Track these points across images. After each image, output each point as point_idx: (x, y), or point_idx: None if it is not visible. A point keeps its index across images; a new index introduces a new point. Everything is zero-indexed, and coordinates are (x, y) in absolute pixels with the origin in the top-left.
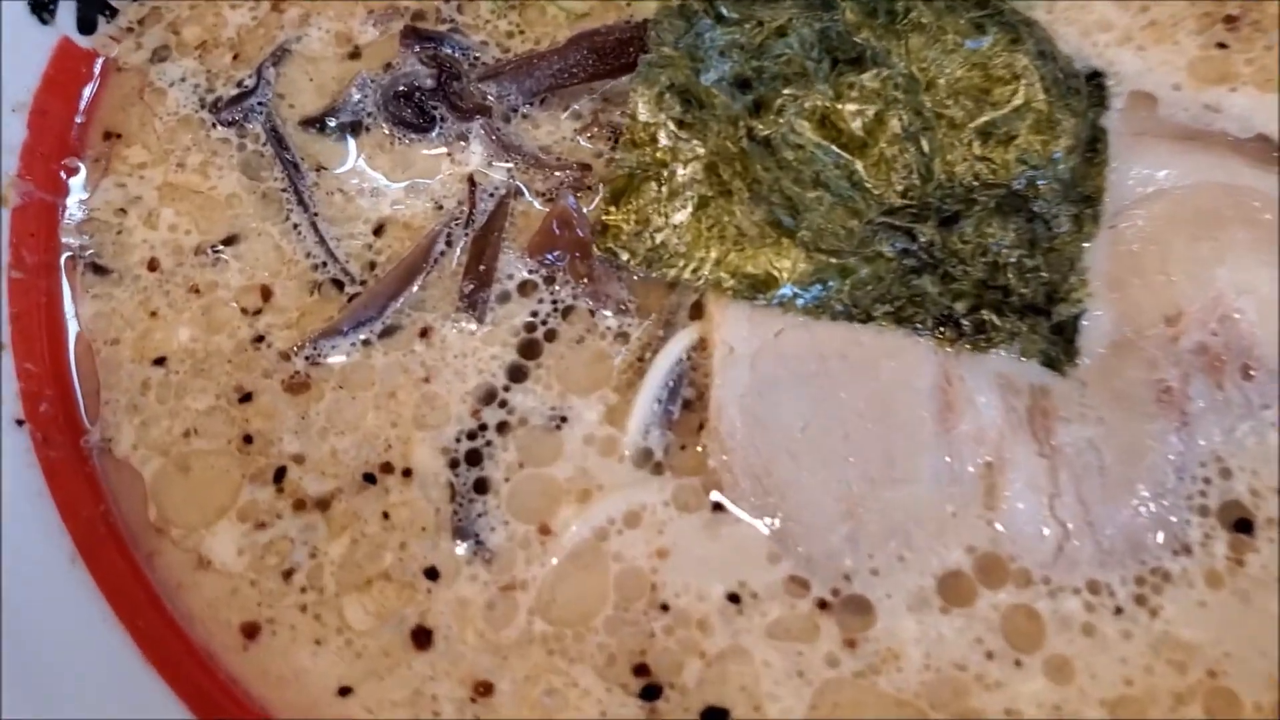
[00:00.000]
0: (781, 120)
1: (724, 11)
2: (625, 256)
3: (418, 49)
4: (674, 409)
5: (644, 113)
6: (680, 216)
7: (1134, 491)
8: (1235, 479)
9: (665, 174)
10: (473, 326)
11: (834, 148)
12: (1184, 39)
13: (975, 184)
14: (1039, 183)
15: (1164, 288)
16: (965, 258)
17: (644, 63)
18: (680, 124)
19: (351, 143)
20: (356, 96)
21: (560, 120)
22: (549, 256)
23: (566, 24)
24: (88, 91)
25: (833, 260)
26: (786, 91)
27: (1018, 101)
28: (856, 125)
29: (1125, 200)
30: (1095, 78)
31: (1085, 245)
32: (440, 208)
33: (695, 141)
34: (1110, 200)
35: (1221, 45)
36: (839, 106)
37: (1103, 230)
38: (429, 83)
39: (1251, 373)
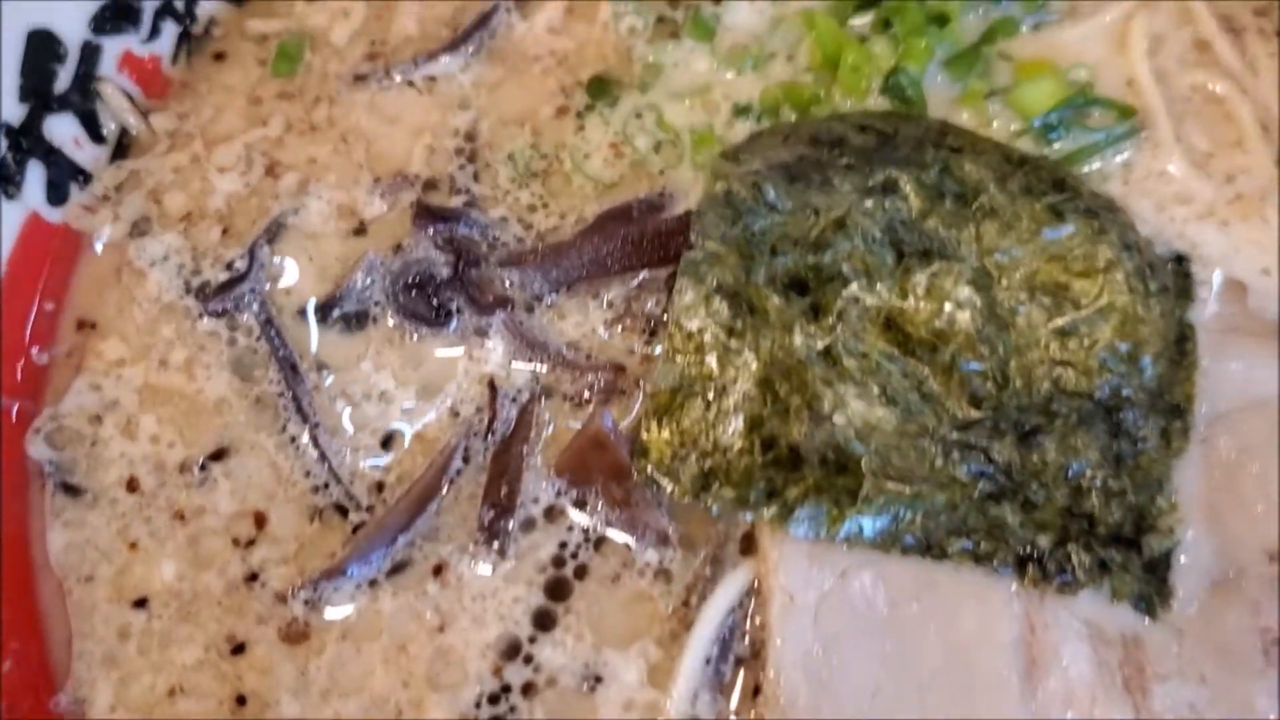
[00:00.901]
0: (843, 326)
1: (774, 200)
2: (668, 485)
3: (431, 231)
4: (725, 668)
5: (688, 319)
6: (731, 439)
7: None
8: None
9: (713, 390)
10: (493, 563)
11: (900, 354)
12: (1272, 215)
13: (1055, 392)
14: (1124, 392)
15: (1265, 517)
16: (1047, 480)
17: (687, 261)
18: (729, 331)
19: (357, 336)
20: (362, 282)
21: (590, 310)
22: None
23: (594, 195)
24: (58, 273)
25: (903, 488)
26: (847, 293)
27: (1102, 302)
28: (925, 328)
29: (1217, 410)
30: (1179, 263)
31: (1174, 463)
32: (457, 415)
33: (747, 352)
34: (1201, 410)
35: None
36: (905, 306)
37: (1193, 445)
38: (444, 271)
39: None
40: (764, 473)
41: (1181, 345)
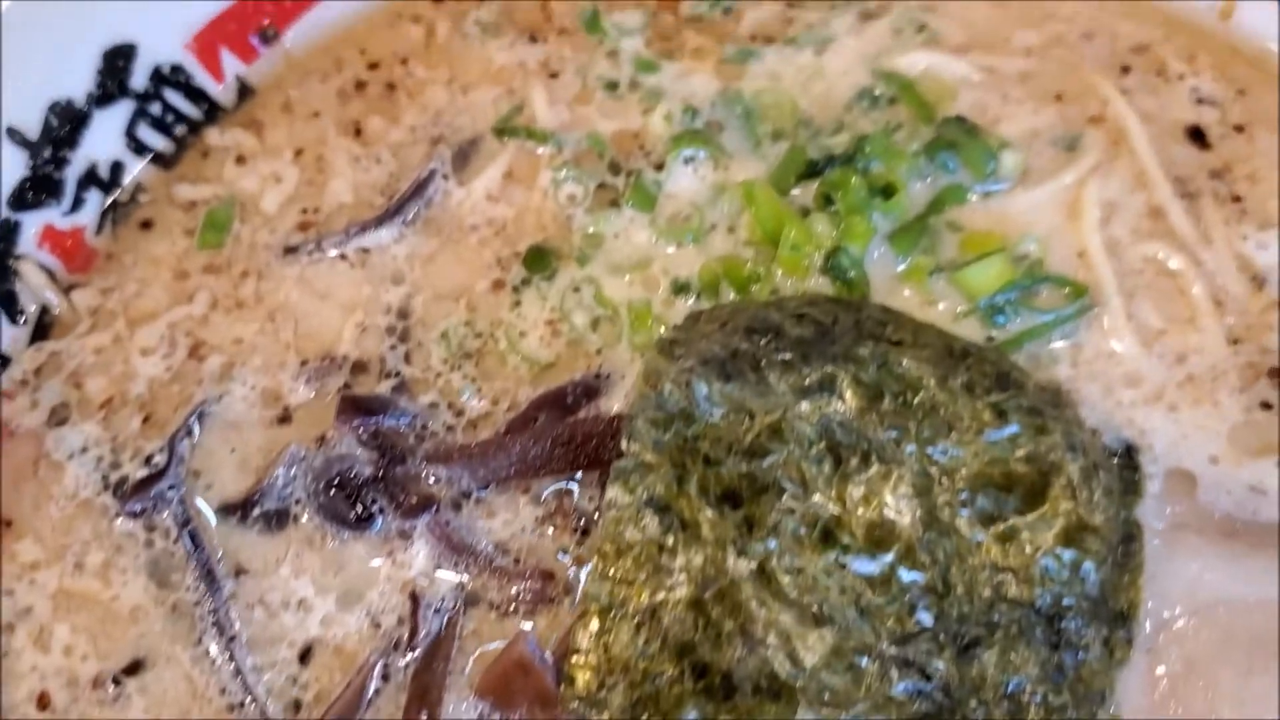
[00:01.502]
0: (778, 541)
1: (708, 402)
2: (596, 716)
3: (356, 426)
4: None
5: (618, 534)
6: (662, 665)
7: None
8: None
9: (643, 612)
10: None
11: (838, 567)
12: (1225, 398)
13: (996, 600)
14: (1066, 600)
15: None
16: (986, 697)
17: (617, 470)
18: (660, 548)
19: (277, 537)
20: (284, 479)
21: (520, 506)
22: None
23: (529, 376)
24: None
25: (837, 713)
26: (782, 504)
27: (1045, 507)
28: (863, 537)
29: (1164, 617)
30: (1128, 455)
31: (1118, 674)
32: (378, 626)
33: (679, 572)
34: (1148, 617)
35: (1266, 405)
36: (842, 515)
37: (1139, 655)
38: (367, 470)
39: None
40: (695, 701)
41: (1128, 546)
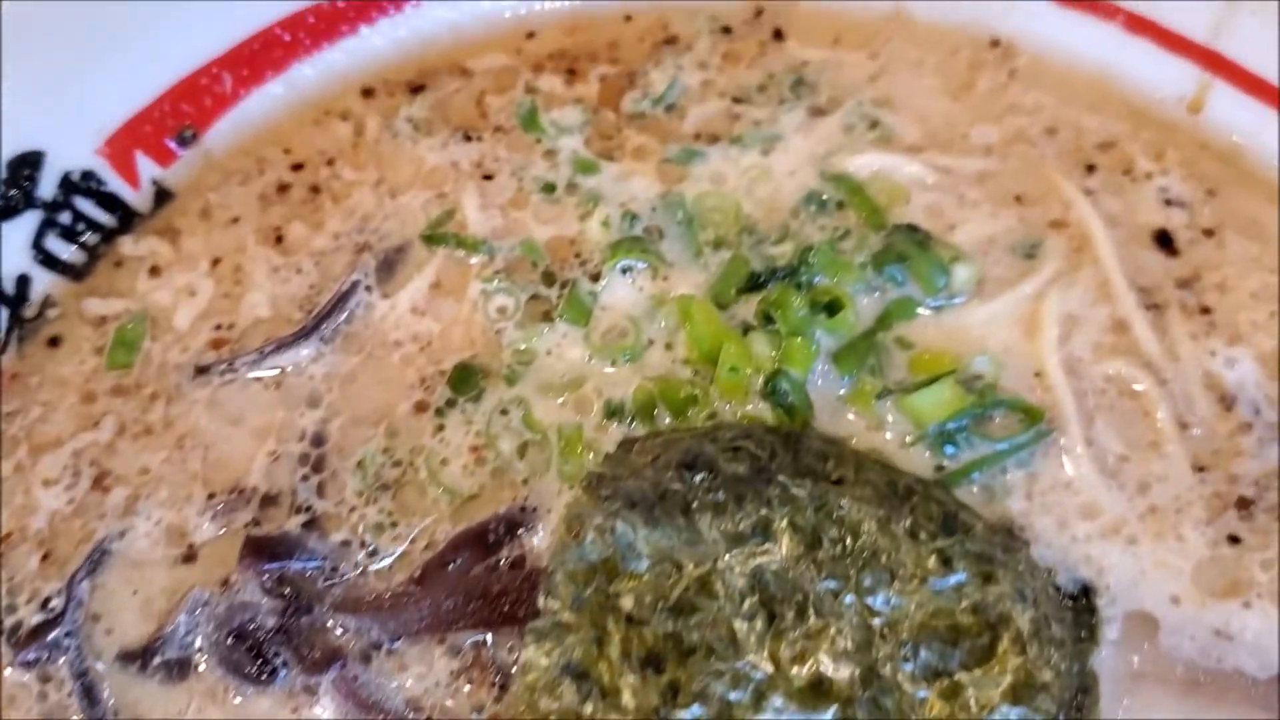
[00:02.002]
0: (704, 708)
1: (633, 552)
2: None
3: (260, 571)
4: None
5: (531, 703)
6: None
7: None
8: None
9: None
10: None
11: None
12: (1189, 532)
13: None
14: None
15: None
16: None
17: (533, 631)
18: (576, 718)
19: (178, 688)
20: (186, 625)
21: (434, 658)
22: None
23: (449, 510)
24: None
25: None
26: (710, 667)
27: (991, 661)
28: (797, 698)
29: None
30: (1084, 597)
31: None
32: None
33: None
34: None
35: (1234, 539)
36: (775, 674)
37: None
38: (271, 620)
39: None
40: None
41: (1083, 699)
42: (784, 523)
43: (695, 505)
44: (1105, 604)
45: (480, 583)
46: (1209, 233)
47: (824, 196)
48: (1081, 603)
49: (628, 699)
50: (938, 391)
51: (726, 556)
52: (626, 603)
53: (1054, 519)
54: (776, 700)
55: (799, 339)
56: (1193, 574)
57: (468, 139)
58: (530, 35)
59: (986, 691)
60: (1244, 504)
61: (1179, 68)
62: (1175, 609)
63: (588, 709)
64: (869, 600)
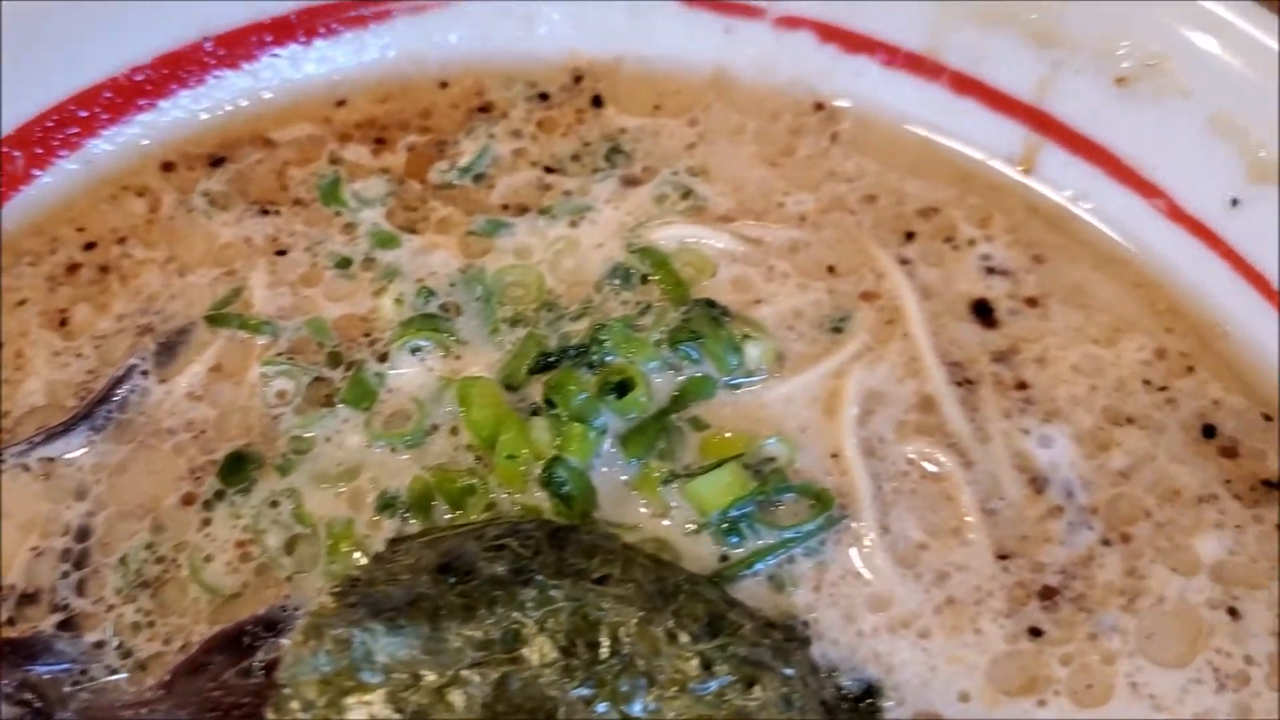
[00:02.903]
0: None
1: (370, 661)
2: None
3: (4, 678)
4: None
5: None
6: None
7: None
8: None
9: None
10: None
11: None
12: (987, 625)
13: None
14: None
15: None
16: None
17: None
18: None
19: None
20: None
21: None
22: None
23: (208, 610)
24: None
25: None
26: None
27: None
28: None
29: None
30: (867, 697)
31: None
32: None
33: None
34: None
35: (1035, 632)
36: None
37: None
38: None
39: None
40: None
41: None
42: (536, 627)
43: (444, 611)
44: (891, 705)
45: (212, 698)
46: (1032, 302)
47: (629, 270)
48: (865, 704)
49: None
50: (719, 477)
51: (470, 666)
52: (356, 716)
53: (841, 612)
54: None
55: (578, 425)
56: (988, 670)
57: (264, 213)
58: (340, 103)
59: None
60: (1049, 594)
61: (1007, 129)
62: (964, 710)
63: None
64: (624, 708)
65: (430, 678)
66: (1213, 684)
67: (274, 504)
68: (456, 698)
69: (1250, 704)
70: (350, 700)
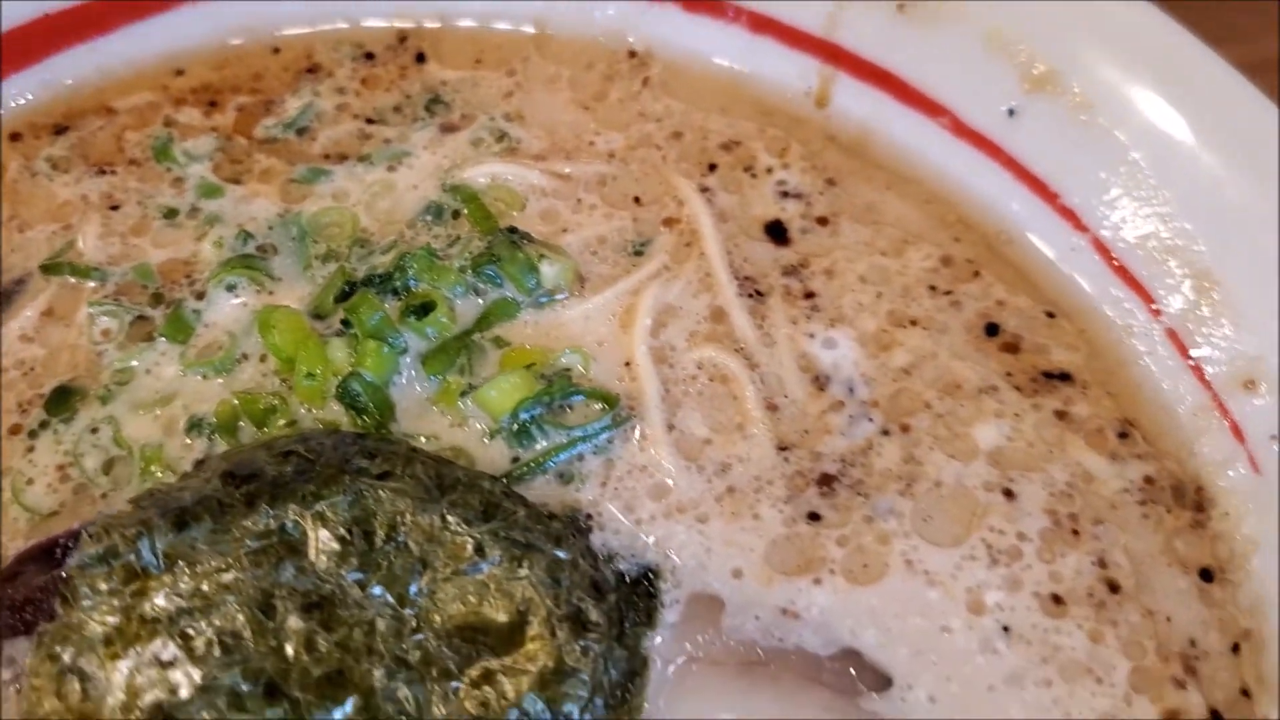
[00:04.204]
0: (205, 700)
1: (153, 555)
2: None
3: None
4: None
5: (34, 706)
6: None
7: None
8: None
9: None
10: None
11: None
12: (766, 510)
13: None
14: None
15: None
16: None
17: (40, 634)
18: (81, 716)
19: None
20: None
21: None
22: None
23: (26, 528)
24: None
25: None
26: (224, 659)
27: (520, 648)
28: (315, 689)
29: None
30: (647, 580)
31: None
32: None
33: None
34: None
35: (813, 516)
36: (289, 668)
37: None
38: None
39: None
40: None
41: (630, 683)
42: (315, 520)
43: (228, 508)
44: (668, 587)
45: (18, 595)
46: (823, 221)
47: (442, 207)
48: (643, 586)
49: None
50: (504, 382)
51: (249, 554)
52: (139, 604)
53: (623, 504)
54: (293, 692)
55: (373, 342)
56: (765, 552)
57: (101, 173)
58: (179, 73)
59: (515, 679)
60: (826, 481)
61: (802, 63)
62: (741, 587)
63: (88, 707)
64: (400, 591)
65: (210, 564)
66: (986, 559)
67: (94, 430)
68: (235, 582)
69: (1021, 577)
70: (133, 587)
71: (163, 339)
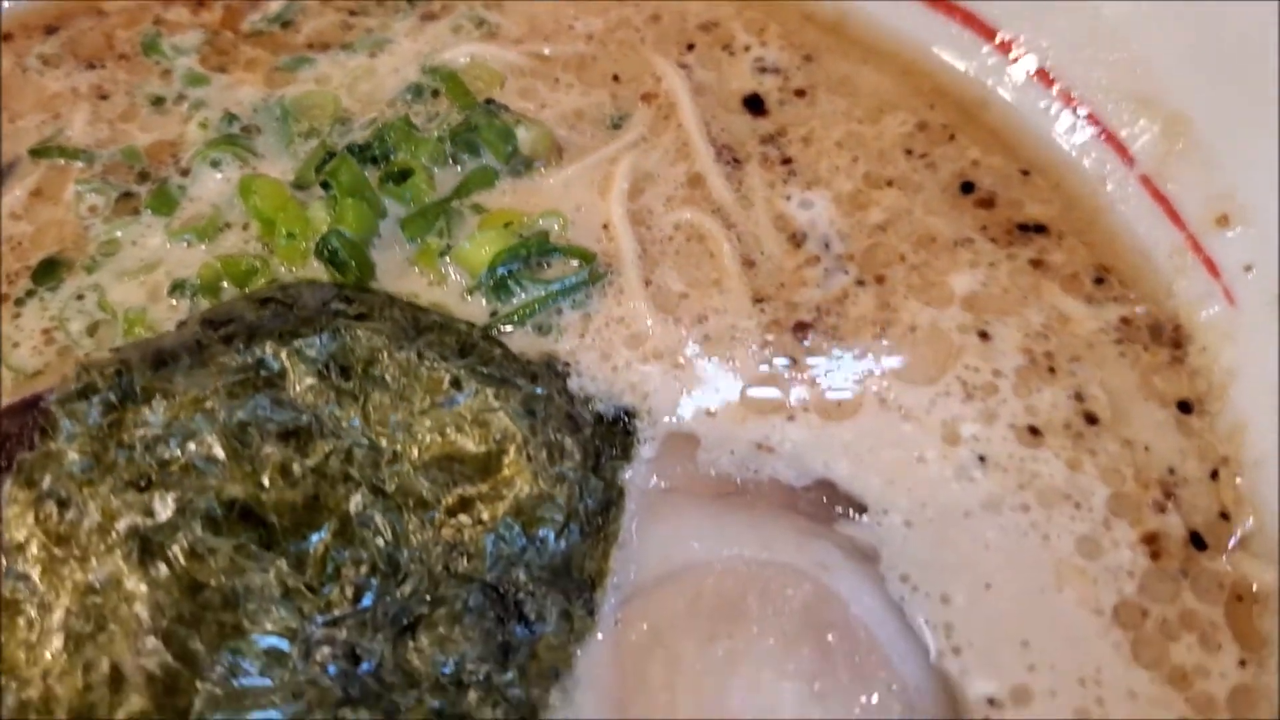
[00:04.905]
0: (184, 523)
1: (132, 387)
2: None
3: None
4: None
5: (14, 530)
6: (52, 662)
7: None
8: None
9: (36, 607)
10: None
11: (259, 548)
12: (742, 356)
13: (446, 577)
14: (518, 574)
15: (667, 708)
16: (421, 679)
17: (21, 462)
18: (59, 539)
19: None
20: None
21: None
22: None
23: (12, 386)
24: None
25: (252, 701)
26: (199, 483)
27: (498, 477)
28: (289, 516)
29: (637, 584)
30: (622, 420)
31: (577, 650)
32: None
33: (73, 562)
34: (619, 586)
35: (790, 361)
36: (265, 497)
37: (604, 627)
38: None
39: None
40: (86, 698)
41: (606, 513)
42: (290, 355)
43: (207, 349)
44: (644, 426)
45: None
46: (800, 93)
47: (421, 86)
48: (619, 425)
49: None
50: (482, 237)
51: (226, 386)
52: (117, 433)
53: (600, 353)
54: (269, 517)
55: (351, 199)
56: (740, 393)
57: (91, 67)
58: None
59: (492, 505)
60: (801, 327)
61: None
62: (715, 425)
63: (65, 530)
64: (377, 423)
65: (187, 396)
66: (961, 395)
67: (79, 297)
68: (212, 412)
69: (997, 410)
70: (111, 418)
71: (148, 211)
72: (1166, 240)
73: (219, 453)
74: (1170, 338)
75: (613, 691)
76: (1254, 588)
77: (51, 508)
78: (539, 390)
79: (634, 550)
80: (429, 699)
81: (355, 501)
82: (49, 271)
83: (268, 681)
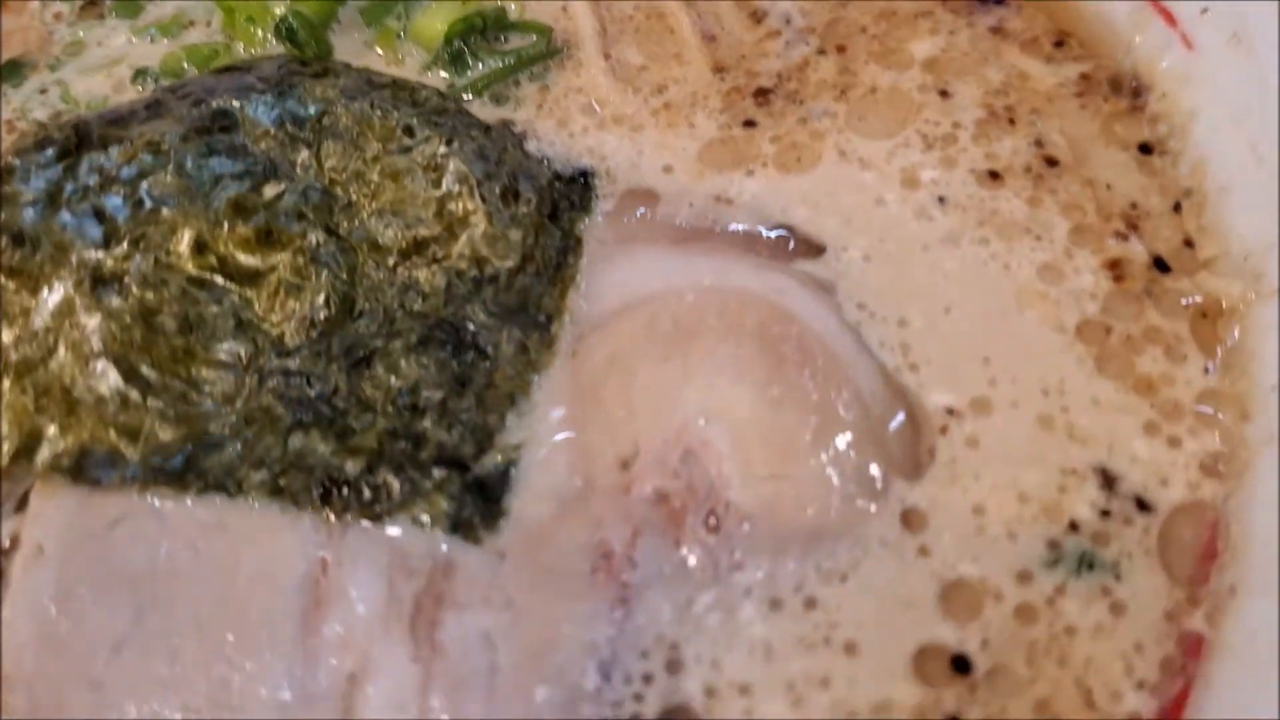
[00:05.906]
0: (140, 255)
1: (92, 135)
2: None
3: None
4: None
5: None
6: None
7: (531, 699)
8: (687, 673)
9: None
10: None
11: (217, 281)
12: (701, 119)
13: (401, 314)
14: (473, 308)
15: (624, 423)
16: (375, 405)
17: None
18: (11, 272)
19: None
20: None
21: None
22: None
23: None
24: None
25: (203, 424)
26: (150, 216)
27: (451, 218)
28: (245, 253)
29: (598, 319)
30: (581, 178)
31: (534, 378)
32: None
33: (25, 293)
34: (578, 321)
35: (748, 123)
36: (222, 233)
37: (562, 359)
38: None
39: (716, 522)
40: (31, 421)
41: (563, 259)
42: (246, 104)
43: (163, 105)
44: (603, 184)
45: None
46: None
47: None
48: (578, 183)
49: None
50: (439, 8)
51: (183, 129)
52: (73, 172)
53: (558, 120)
54: (220, 248)
55: None
56: (700, 152)
57: None
58: None
59: (446, 245)
60: (762, 93)
61: None
62: (673, 180)
63: (17, 260)
64: (330, 169)
65: (144, 138)
66: (920, 146)
67: (43, 91)
68: (167, 151)
69: (956, 157)
70: (67, 161)
71: (113, 15)
72: (1126, 3)
73: (173, 188)
74: (1130, 89)
75: (571, 411)
76: (1223, 304)
77: (5, 241)
78: (493, 140)
79: (592, 290)
80: (382, 421)
81: (310, 240)
82: (13, 70)
83: (218, 406)
